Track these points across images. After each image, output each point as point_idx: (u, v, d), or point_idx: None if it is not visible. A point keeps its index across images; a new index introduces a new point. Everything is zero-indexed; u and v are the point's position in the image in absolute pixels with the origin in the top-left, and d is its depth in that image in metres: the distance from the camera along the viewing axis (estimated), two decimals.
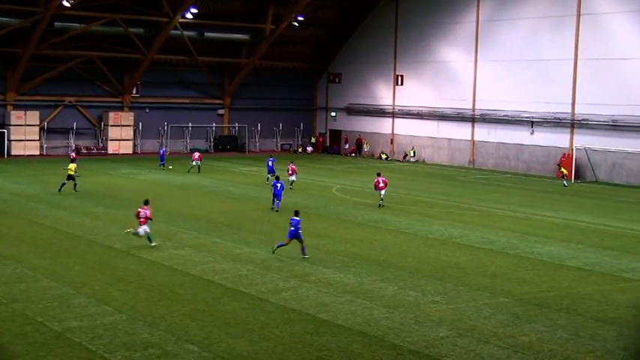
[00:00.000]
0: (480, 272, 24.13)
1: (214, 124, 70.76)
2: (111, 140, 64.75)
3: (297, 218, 25.67)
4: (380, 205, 37.18)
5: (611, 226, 33.97)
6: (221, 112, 71.26)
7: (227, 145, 69.93)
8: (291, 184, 43.16)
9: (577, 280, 23.44)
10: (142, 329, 17.69)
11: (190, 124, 68.76)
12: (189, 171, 50.92)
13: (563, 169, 50.76)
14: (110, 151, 64.25)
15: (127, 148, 64.68)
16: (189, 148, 68.02)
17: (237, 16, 65.03)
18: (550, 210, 38.45)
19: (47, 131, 63.09)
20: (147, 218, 26.48)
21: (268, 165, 46.52)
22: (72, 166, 40.32)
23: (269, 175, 44.48)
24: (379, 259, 25.75)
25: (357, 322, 18.52)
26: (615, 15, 52.22)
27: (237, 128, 71.50)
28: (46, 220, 32.05)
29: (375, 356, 16.31)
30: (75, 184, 40.17)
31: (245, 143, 71.17)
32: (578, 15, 54.11)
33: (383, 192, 37.56)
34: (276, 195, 35.97)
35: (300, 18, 65.28)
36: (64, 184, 39.96)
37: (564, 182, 49.63)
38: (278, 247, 25.84)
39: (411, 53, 66.59)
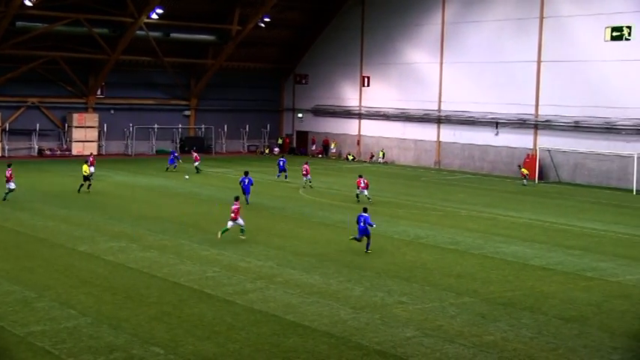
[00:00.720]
0: (445, 272, 24.30)
1: (180, 126, 70.43)
2: (75, 142, 64.15)
3: (367, 214, 27.13)
4: (364, 199, 39.02)
5: (573, 226, 34.38)
6: (187, 113, 70.95)
7: (193, 147, 69.45)
8: (310, 183, 45.46)
9: (541, 280, 23.69)
10: (106, 332, 17.56)
11: (156, 126, 68.35)
12: (198, 172, 52.24)
13: (524, 170, 51.43)
14: (74, 152, 63.65)
15: (91, 149, 64.16)
16: (154, 150, 67.75)
17: (203, 17, 64.80)
18: (514, 210, 38.82)
19: (9, 132, 62.34)
20: (237, 213, 28.62)
21: (279, 165, 48.57)
22: (85, 167, 41.42)
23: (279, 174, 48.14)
24: (346, 259, 25.81)
25: (324, 322, 18.56)
26: (577, 18, 52.86)
27: (203, 129, 71.23)
28: (8, 223, 31.65)
29: (342, 357, 16.37)
30: (89, 185, 41.25)
31: (211, 144, 70.93)
32: (542, 18, 54.70)
33: (365, 191, 39.52)
34: (244, 190, 37.59)
35: (266, 19, 65.25)
36: (81, 185, 41.15)
37: (524, 181, 50.44)
38: (352, 238, 27.38)
39: (378, 55, 66.85)
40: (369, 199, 39.21)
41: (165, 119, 69.41)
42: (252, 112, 73.58)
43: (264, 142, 74.43)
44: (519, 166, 53.33)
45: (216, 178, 50.60)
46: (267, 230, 31.23)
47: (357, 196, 40.15)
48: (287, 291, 21.44)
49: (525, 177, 50.86)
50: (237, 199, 29.72)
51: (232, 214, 28.70)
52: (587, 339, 17.85)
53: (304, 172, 45.44)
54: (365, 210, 27.78)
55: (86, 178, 41.18)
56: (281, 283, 22.29)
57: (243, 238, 28.64)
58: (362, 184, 39.49)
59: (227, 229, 28.59)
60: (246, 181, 37.76)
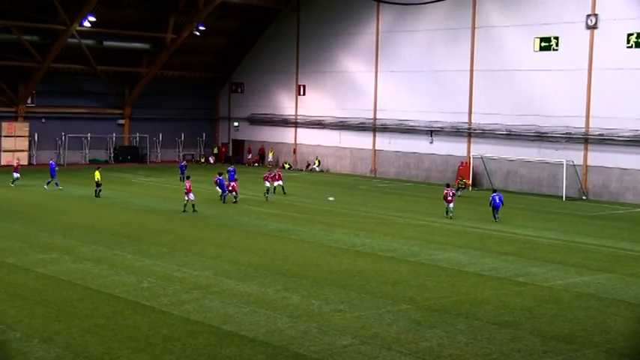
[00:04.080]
0: (382, 280, 24.45)
1: (114, 135, 69.47)
2: (4, 151, 62.70)
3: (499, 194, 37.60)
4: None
5: (506, 232, 34.96)
6: (121, 122, 70.03)
7: (128, 156, 68.78)
8: (274, 190, 46.46)
9: (475, 286, 24.02)
10: (37, 347, 17.18)
11: (89, 135, 67.29)
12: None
13: (465, 180, 51.55)
14: (3, 162, 62.17)
15: (21, 159, 62.76)
16: (87, 159, 66.72)
17: (137, 25, 64.12)
18: (449, 217, 39.24)
19: None
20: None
21: (230, 175, 46.78)
22: (97, 173, 43.95)
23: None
24: (283, 268, 25.78)
25: (261, 332, 18.49)
26: (507, 28, 53.91)
27: (138, 138, 70.42)
28: None
29: None
30: (99, 191, 43.66)
31: (146, 154, 70.17)
32: (473, 28, 55.62)
33: (278, 182, 46.27)
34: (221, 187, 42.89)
35: (201, 27, 64.86)
36: (95, 190, 43.82)
37: (459, 192, 48.87)
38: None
39: (313, 63, 67.08)
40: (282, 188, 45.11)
41: (99, 128, 68.37)
42: (188, 120, 73.03)
43: (201, 151, 73.94)
44: (461, 177, 52.87)
45: (150, 188, 50.04)
46: (203, 240, 31.01)
47: (273, 190, 45.66)
48: (223, 301, 21.29)
49: (462, 187, 50.29)
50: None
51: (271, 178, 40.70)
52: (520, 343, 18.15)
53: (277, 177, 47.08)
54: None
55: (98, 183, 43.74)
56: (217, 293, 22.13)
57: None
58: (275, 177, 46.22)
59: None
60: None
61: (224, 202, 42.16)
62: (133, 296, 21.60)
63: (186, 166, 55.06)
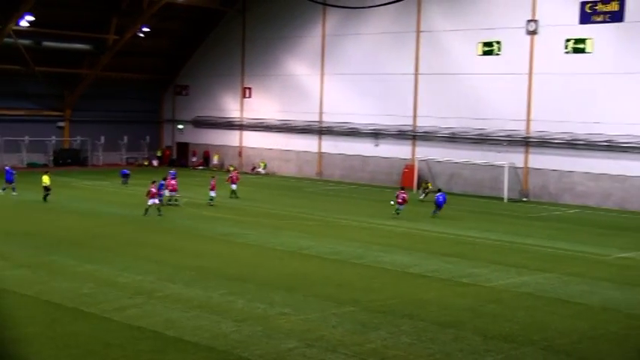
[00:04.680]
0: (327, 282, 24.53)
1: (54, 137, 68.30)
2: None
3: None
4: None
5: (449, 234, 35.39)
6: (61, 124, 68.89)
7: (68, 159, 67.65)
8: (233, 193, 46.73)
9: (419, 287, 24.27)
10: None
11: (27, 138, 65.85)
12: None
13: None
14: None
15: None
16: (25, 163, 65.32)
17: (78, 26, 63.06)
18: (394, 219, 39.58)
19: None
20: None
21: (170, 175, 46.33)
22: (46, 177, 43.21)
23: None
24: (228, 272, 25.69)
25: (205, 337, 18.39)
26: (451, 33, 54.59)
27: (79, 141, 69.39)
28: None
29: None
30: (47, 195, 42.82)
31: (87, 157, 69.20)
32: (418, 32, 56.19)
33: (234, 186, 46.53)
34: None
35: (145, 29, 64.26)
36: (44, 195, 42.91)
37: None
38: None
39: (259, 66, 66.98)
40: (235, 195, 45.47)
41: (38, 131, 66.91)
42: (131, 123, 72.19)
43: (144, 154, 73.22)
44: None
45: (92, 192, 49.40)
46: (147, 244, 30.74)
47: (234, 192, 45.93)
48: (167, 306, 21.12)
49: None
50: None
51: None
52: (463, 343, 18.40)
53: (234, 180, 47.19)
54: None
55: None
56: (161, 298, 21.94)
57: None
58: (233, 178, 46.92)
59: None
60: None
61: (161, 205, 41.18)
62: (72, 303, 21.21)
63: (129, 175, 54.04)
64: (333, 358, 17.16)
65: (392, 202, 41.35)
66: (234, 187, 46.90)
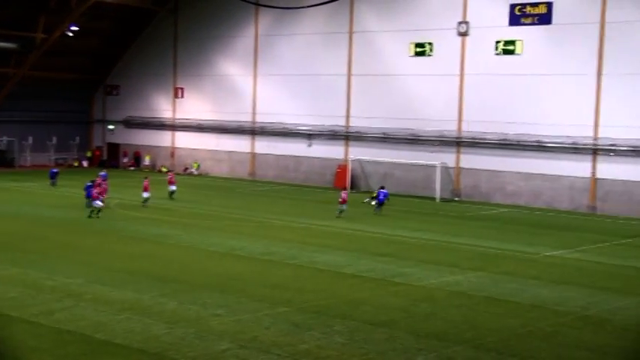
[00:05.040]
0: (260, 283, 24.42)
1: None
2: None
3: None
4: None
5: (383, 234, 35.61)
6: None
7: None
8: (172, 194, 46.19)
9: (353, 287, 24.33)
10: None
11: None
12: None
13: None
14: None
15: None
16: None
17: (5, 24, 61.38)
18: (327, 219, 39.69)
19: None
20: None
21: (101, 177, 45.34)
22: None
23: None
24: (159, 273, 25.36)
25: (136, 339, 18.11)
26: (384, 33, 55.00)
27: (5, 142, 67.68)
28: None
29: None
30: None
31: (14, 158, 67.59)
32: (351, 32, 56.46)
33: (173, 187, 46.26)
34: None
35: (74, 28, 63.04)
36: None
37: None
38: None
39: (191, 66, 66.42)
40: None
41: None
42: (61, 124, 70.68)
43: (74, 154, 71.87)
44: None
45: (19, 193, 48.26)
46: (76, 246, 30.16)
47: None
48: (97, 308, 20.73)
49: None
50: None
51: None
52: (396, 342, 18.50)
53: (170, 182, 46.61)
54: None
55: None
56: (91, 301, 21.53)
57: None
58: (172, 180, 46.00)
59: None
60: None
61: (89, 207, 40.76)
62: None
63: (57, 173, 53.11)
64: (266, 359, 17.07)
65: (366, 200, 44.35)
66: (173, 188, 46.32)
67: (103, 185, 42.30)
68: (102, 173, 47.53)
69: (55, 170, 53.54)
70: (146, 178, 44.30)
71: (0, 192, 48.35)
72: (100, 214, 37.60)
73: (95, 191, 38.37)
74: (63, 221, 36.71)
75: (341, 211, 40.42)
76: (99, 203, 37.86)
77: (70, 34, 63.36)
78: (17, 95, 66.84)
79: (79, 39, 65.22)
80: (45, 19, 61.99)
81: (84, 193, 41.82)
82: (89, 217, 37.43)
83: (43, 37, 62.66)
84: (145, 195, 42.66)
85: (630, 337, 19.59)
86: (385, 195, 42.71)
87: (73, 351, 17.24)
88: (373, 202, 44.60)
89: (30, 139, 68.28)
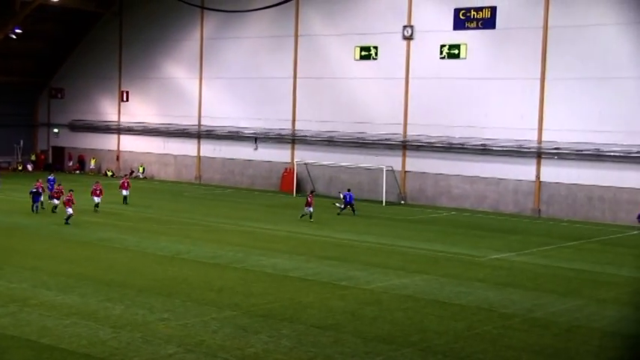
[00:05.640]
0: (207, 287, 24.39)
1: None
2: None
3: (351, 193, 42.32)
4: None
5: (329, 237, 35.78)
6: None
7: None
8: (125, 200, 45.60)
9: (300, 291, 24.44)
10: None
11: None
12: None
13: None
14: None
15: None
16: None
17: None
18: (274, 223, 39.75)
19: None
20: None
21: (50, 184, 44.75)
22: None
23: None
24: (106, 278, 25.16)
25: (82, 344, 17.97)
26: (329, 37, 55.28)
27: None
28: None
29: None
30: None
31: None
32: (297, 36, 56.61)
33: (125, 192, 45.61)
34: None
35: (18, 30, 62.07)
36: None
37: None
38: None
39: (137, 69, 65.90)
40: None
41: None
42: (4, 127, 69.40)
43: (18, 158, 70.70)
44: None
45: None
46: (20, 251, 29.74)
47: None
48: (42, 313, 20.51)
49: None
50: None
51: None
52: (343, 346, 18.65)
53: (125, 186, 45.80)
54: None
55: None
56: (36, 306, 21.28)
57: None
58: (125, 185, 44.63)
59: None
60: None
61: (36, 212, 40.48)
62: None
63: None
64: None
65: (336, 204, 44.21)
66: (125, 193, 45.74)
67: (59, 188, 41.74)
68: (50, 177, 46.66)
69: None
70: (97, 182, 43.65)
71: None
72: (69, 222, 36.77)
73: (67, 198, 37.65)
74: (7, 226, 36.10)
75: (304, 214, 40.69)
76: (70, 210, 36.93)
77: (14, 37, 62.40)
78: None
79: (23, 42, 64.31)
80: None
81: (30, 196, 41.29)
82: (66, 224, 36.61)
83: None
84: (97, 200, 41.78)
85: (575, 339, 20.01)
86: (352, 196, 44.24)
87: (18, 357, 17.04)
88: (339, 205, 44.92)
89: None
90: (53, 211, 40.55)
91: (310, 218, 40.59)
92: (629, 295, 25.92)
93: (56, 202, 40.79)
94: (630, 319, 22.65)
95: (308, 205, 40.93)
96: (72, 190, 39.02)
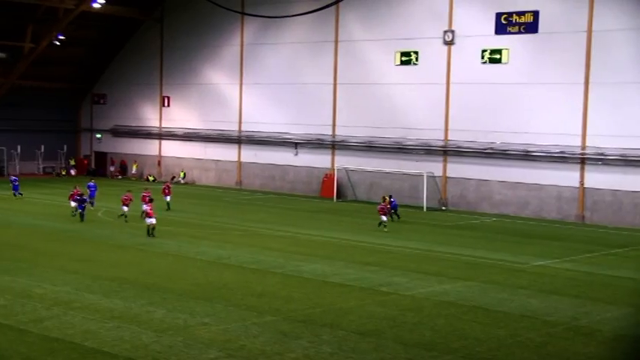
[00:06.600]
0: (248, 292, 24.44)
1: None
2: None
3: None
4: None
5: (370, 243, 35.66)
6: None
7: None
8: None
9: (340, 296, 24.36)
10: None
11: None
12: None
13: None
14: None
15: None
16: None
17: None
18: (314, 228, 39.73)
19: None
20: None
21: (90, 191, 44.86)
22: None
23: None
24: (147, 282, 25.35)
25: (125, 348, 18.11)
26: (369, 42, 55.16)
27: None
28: None
29: None
30: None
31: (3, 166, 67.34)
32: (336, 41, 56.60)
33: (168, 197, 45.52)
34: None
35: (61, 37, 62.97)
36: None
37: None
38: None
39: (177, 75, 66.43)
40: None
41: None
42: (48, 132, 70.46)
43: (61, 163, 71.68)
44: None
45: (8, 201, 48.04)
46: (64, 254, 30.11)
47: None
48: (86, 316, 20.73)
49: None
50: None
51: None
52: (384, 352, 18.55)
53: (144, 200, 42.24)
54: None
55: None
56: (79, 309, 21.52)
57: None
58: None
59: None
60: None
61: (82, 220, 39.61)
62: None
63: (18, 180, 51.42)
64: None
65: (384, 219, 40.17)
66: (168, 199, 45.81)
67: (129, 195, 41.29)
68: (90, 183, 46.94)
69: (14, 177, 52.24)
70: (129, 191, 42.60)
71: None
72: (154, 234, 35.01)
73: (148, 207, 36.38)
74: (51, 230, 36.58)
75: (380, 223, 39.78)
76: (153, 220, 35.35)
77: (58, 44, 63.30)
78: (6, 104, 66.68)
79: (67, 48, 65.18)
80: (33, 29, 62.00)
81: (70, 202, 41.72)
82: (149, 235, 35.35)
83: (31, 47, 62.62)
84: (125, 209, 40.41)
85: (621, 348, 19.63)
86: (395, 204, 44.05)
87: (63, 359, 17.24)
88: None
89: (19, 148, 68.07)
90: (122, 217, 40.13)
91: (384, 227, 39.42)
92: None
93: (125, 209, 40.20)
94: None
95: (383, 212, 40.05)
96: (152, 200, 38.19)
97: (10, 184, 50.68)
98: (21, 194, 49.62)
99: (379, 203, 42.73)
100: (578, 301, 24.74)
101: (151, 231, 34.89)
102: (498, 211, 49.58)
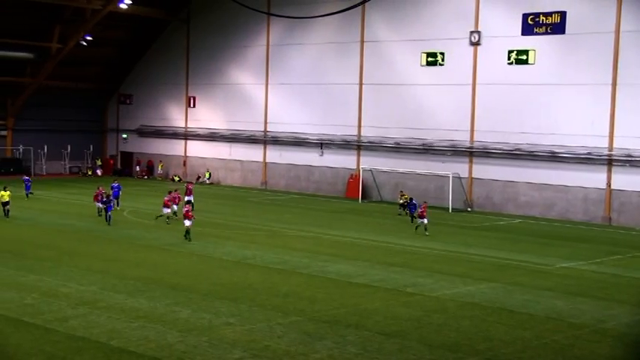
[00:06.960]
0: (272, 292, 24.47)
1: None
2: None
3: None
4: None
5: (394, 244, 35.59)
6: (3, 133, 67.67)
7: (10, 168, 66.34)
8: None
9: (365, 297, 24.33)
10: None
11: None
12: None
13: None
14: None
15: None
16: None
17: (21, 34, 62.06)
18: (339, 229, 39.71)
19: None
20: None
21: (114, 191, 44.42)
22: (5, 193, 40.99)
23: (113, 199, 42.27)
24: (172, 282, 25.46)
25: (150, 347, 18.21)
26: (395, 43, 55.04)
27: (21, 150, 68.17)
28: None
29: None
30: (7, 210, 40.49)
31: (30, 166, 68.02)
32: (362, 42, 56.54)
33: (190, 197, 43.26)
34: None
35: (88, 37, 63.49)
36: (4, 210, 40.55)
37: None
38: None
39: (203, 75, 66.70)
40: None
41: None
42: (75, 132, 71.10)
43: (88, 163, 72.24)
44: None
45: (34, 201, 48.50)
46: (90, 254, 30.32)
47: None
48: (111, 316, 20.86)
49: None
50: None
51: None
52: (409, 353, 18.50)
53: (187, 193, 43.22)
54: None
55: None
56: (105, 308, 21.67)
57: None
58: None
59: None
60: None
61: (108, 223, 38.76)
62: (15, 313, 20.87)
63: (30, 180, 51.56)
64: None
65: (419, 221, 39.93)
66: (190, 198, 45.28)
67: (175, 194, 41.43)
68: (114, 184, 46.81)
69: (27, 178, 52.23)
70: (170, 192, 41.63)
71: (16, 200, 48.53)
72: (190, 238, 34.29)
73: (186, 210, 35.60)
74: (77, 229, 36.87)
75: (417, 226, 39.52)
76: (188, 223, 34.38)
77: (85, 44, 63.83)
78: (33, 104, 67.46)
79: (93, 49, 65.70)
80: (60, 29, 62.61)
81: (95, 203, 41.98)
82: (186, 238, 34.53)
83: (58, 47, 63.19)
84: (166, 211, 39.73)
85: None
86: (414, 206, 43.78)
87: (88, 358, 17.35)
88: (400, 210, 46.46)
89: (45, 148, 68.76)
90: (166, 221, 39.62)
91: (425, 231, 38.87)
92: None
93: (166, 210, 39.86)
94: None
95: (421, 216, 39.60)
96: (171, 191, 40.39)
97: (23, 184, 51.05)
98: (32, 193, 49.97)
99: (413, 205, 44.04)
100: (605, 304, 24.52)
101: (187, 234, 34.18)
102: (524, 213, 49.27)
